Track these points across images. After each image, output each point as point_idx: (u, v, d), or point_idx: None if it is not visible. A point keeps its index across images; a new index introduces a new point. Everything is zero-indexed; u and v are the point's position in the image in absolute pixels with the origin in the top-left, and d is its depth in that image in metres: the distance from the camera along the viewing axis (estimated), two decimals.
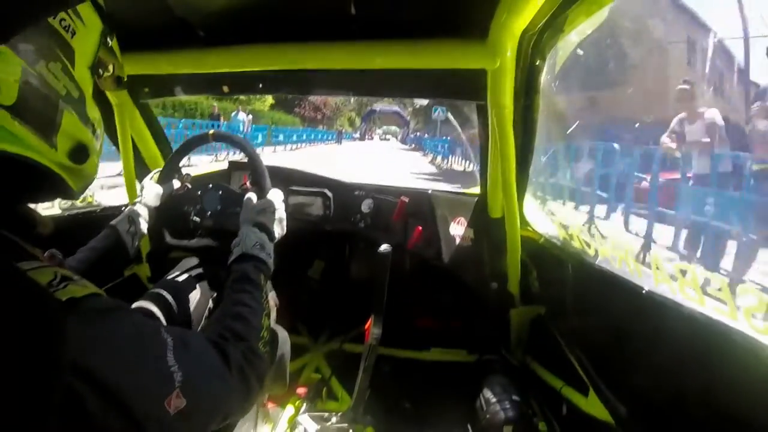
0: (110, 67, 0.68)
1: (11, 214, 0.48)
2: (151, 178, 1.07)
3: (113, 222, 0.94)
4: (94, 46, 0.56)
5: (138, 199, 1.01)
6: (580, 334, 1.13)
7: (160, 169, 1.12)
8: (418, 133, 29.33)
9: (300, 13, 1.03)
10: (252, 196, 0.90)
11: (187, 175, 1.15)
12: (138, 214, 0.97)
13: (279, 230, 0.88)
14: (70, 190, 0.53)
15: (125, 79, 0.76)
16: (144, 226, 0.98)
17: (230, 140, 1.10)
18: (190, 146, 1.13)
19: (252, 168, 0.98)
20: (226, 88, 1.31)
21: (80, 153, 0.52)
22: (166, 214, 1.06)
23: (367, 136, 39.13)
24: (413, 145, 26.64)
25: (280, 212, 0.89)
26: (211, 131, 1.06)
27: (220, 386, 0.53)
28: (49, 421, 0.37)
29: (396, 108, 32.43)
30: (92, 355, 0.41)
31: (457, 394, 1.39)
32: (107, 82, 0.72)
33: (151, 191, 1.02)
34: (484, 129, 1.28)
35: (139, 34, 1.09)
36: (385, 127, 44.69)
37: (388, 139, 40.91)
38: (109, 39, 0.60)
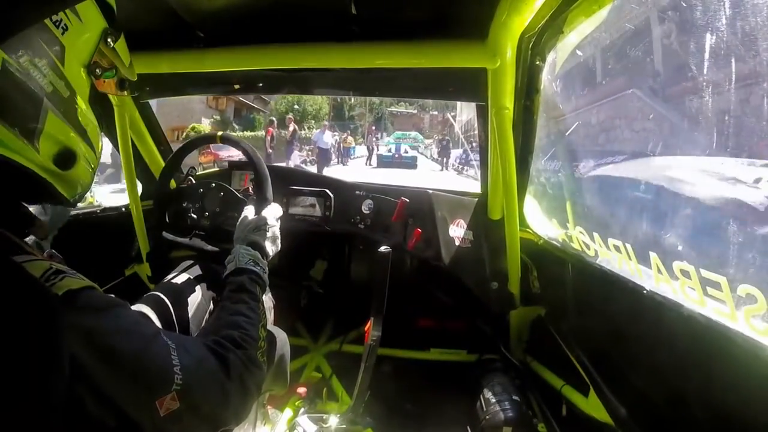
0: (113, 69, 0.65)
1: (5, 211, 0.47)
2: None
3: None
4: (92, 45, 0.54)
5: None
6: (580, 334, 1.13)
7: None
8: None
9: (300, 14, 1.03)
10: (248, 211, 0.89)
11: (192, 168, 1.14)
12: None
13: (273, 248, 0.86)
14: (60, 196, 0.51)
15: (130, 83, 0.73)
16: None
17: (237, 144, 1.05)
18: (196, 144, 1.12)
19: (255, 176, 0.97)
20: (226, 88, 1.31)
21: (65, 158, 0.49)
22: (166, 207, 1.06)
23: (340, 153, 16.03)
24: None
25: (275, 230, 0.88)
26: (219, 132, 1.06)
27: (217, 393, 0.53)
28: (50, 416, 0.37)
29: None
30: (91, 351, 0.40)
31: (457, 394, 1.39)
32: (109, 84, 0.69)
33: None
34: (484, 130, 1.28)
35: (139, 34, 1.08)
36: (398, 133, 24.13)
37: (408, 161, 16.41)
38: (110, 39, 0.58)
